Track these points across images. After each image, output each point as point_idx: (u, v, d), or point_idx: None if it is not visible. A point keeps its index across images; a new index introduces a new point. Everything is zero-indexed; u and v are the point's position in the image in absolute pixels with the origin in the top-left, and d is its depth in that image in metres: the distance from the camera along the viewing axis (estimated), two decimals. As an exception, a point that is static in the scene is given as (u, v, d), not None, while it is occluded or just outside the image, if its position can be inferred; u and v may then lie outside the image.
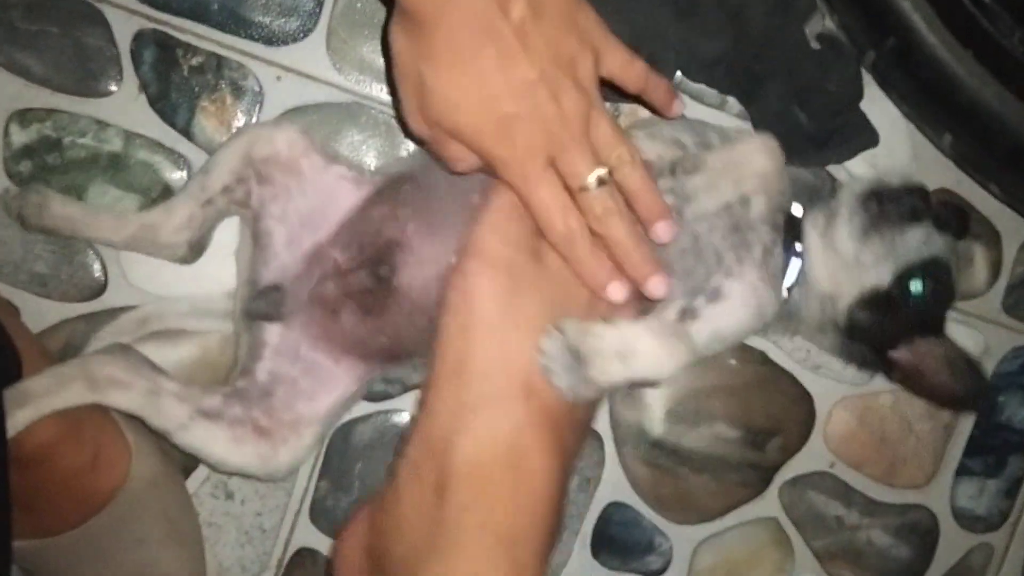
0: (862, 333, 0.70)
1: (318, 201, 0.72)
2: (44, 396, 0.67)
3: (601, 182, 0.56)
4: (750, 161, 0.67)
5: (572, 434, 0.56)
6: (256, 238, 0.73)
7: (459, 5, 0.53)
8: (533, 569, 0.51)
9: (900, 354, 0.70)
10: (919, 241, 0.67)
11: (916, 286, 0.67)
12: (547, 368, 0.56)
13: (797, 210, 0.71)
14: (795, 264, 0.71)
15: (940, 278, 0.68)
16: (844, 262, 0.69)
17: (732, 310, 0.67)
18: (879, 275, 0.68)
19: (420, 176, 0.71)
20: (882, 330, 0.69)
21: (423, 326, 0.68)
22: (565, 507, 0.56)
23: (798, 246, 0.71)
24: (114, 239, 0.75)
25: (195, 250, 0.76)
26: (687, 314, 0.66)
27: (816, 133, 0.80)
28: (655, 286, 0.59)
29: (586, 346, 0.56)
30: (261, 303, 0.72)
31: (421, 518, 0.52)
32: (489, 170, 0.58)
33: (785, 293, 0.70)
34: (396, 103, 0.63)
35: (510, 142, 0.55)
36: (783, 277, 0.70)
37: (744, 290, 0.67)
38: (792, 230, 0.71)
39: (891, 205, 0.67)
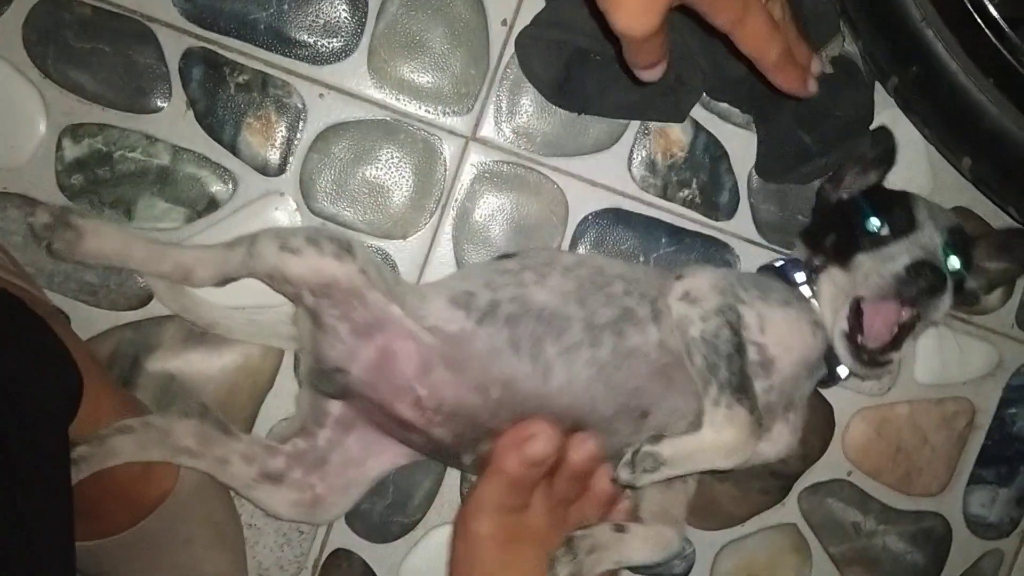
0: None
1: (384, 320, 0.72)
2: (128, 455, 0.73)
3: None
4: None
5: None
6: (316, 324, 0.74)
7: None
8: None
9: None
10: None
11: (953, 263, 0.72)
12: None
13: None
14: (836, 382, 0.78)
15: (957, 243, 0.73)
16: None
17: (756, 458, 0.74)
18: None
19: (498, 378, 0.71)
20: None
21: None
22: None
23: (841, 371, 0.76)
24: (146, 270, 0.76)
25: (225, 283, 0.77)
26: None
27: (820, 156, 0.81)
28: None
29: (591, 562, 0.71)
30: (327, 383, 0.75)
31: None
32: (707, 15, 0.61)
33: None
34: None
35: None
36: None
37: (773, 446, 0.76)
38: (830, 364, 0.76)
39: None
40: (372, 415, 0.75)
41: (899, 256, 0.69)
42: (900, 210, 0.73)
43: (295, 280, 0.71)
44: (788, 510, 0.91)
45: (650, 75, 0.62)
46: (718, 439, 0.67)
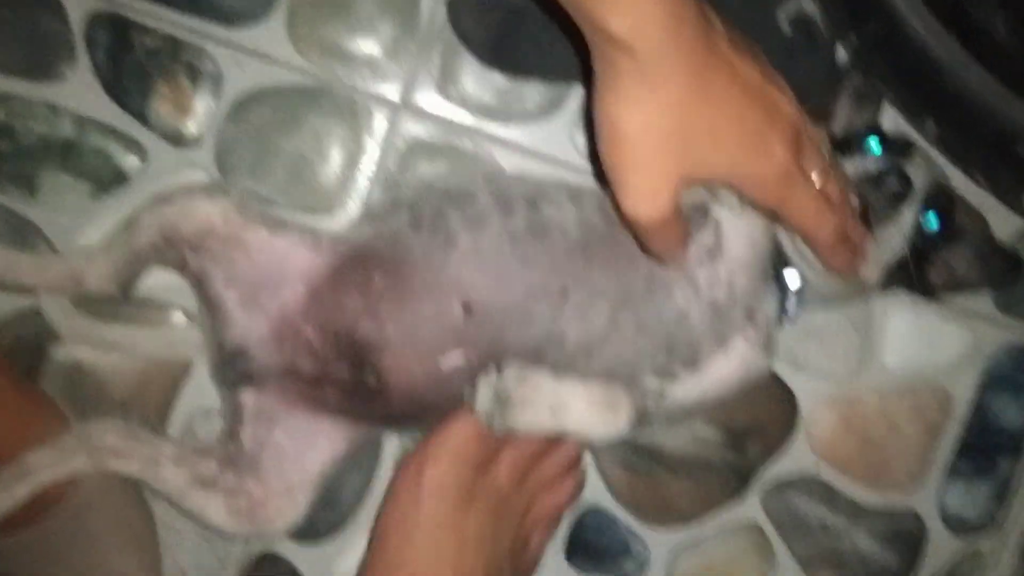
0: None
1: (272, 269, 0.68)
2: (45, 469, 0.69)
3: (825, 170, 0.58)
4: None
5: None
6: (205, 302, 0.70)
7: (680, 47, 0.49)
8: None
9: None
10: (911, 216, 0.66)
11: (931, 221, 0.66)
12: (473, 399, 0.61)
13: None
14: (792, 298, 0.71)
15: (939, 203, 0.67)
16: None
17: (717, 378, 0.69)
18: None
19: (390, 260, 0.67)
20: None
21: (414, 412, 0.68)
22: None
23: (787, 275, 0.70)
24: (36, 283, 0.71)
25: (126, 291, 0.72)
26: (665, 375, 0.68)
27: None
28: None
29: (518, 393, 0.61)
30: (229, 370, 0.70)
31: None
32: (746, 195, 0.57)
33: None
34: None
35: (770, 156, 0.55)
36: (775, 322, 0.71)
37: (730, 362, 0.68)
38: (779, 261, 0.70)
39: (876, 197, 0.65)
40: (296, 389, 0.69)
41: (877, 163, 0.65)
42: (901, 142, 0.69)
43: (172, 234, 0.67)
44: (749, 508, 0.85)
45: (670, 263, 0.60)
46: None
